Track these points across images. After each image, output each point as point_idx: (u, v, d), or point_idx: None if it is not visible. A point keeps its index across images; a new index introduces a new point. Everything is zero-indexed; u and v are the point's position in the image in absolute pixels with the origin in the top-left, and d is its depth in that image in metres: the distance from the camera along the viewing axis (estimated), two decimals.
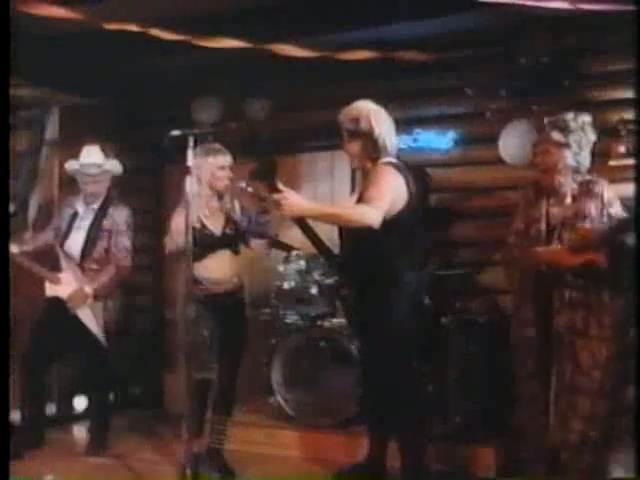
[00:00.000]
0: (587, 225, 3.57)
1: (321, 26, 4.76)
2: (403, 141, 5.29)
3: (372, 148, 3.64)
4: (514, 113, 4.91)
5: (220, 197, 4.22)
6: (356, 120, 3.65)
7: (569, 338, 3.54)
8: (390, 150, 3.67)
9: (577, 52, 4.76)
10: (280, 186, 3.27)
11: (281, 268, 5.16)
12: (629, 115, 4.57)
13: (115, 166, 4.86)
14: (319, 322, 4.90)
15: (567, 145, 3.61)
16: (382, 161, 3.62)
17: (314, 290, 4.99)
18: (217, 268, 4.15)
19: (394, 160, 3.66)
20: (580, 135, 3.63)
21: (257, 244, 4.28)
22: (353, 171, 5.36)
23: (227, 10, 4.68)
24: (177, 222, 4.02)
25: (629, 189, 4.45)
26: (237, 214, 4.27)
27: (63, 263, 4.66)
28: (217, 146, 4.19)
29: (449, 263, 5.03)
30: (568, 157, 3.62)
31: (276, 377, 4.79)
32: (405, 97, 5.30)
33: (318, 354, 4.71)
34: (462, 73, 5.06)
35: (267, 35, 4.63)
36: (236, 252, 4.23)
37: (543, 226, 3.67)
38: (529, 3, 3.83)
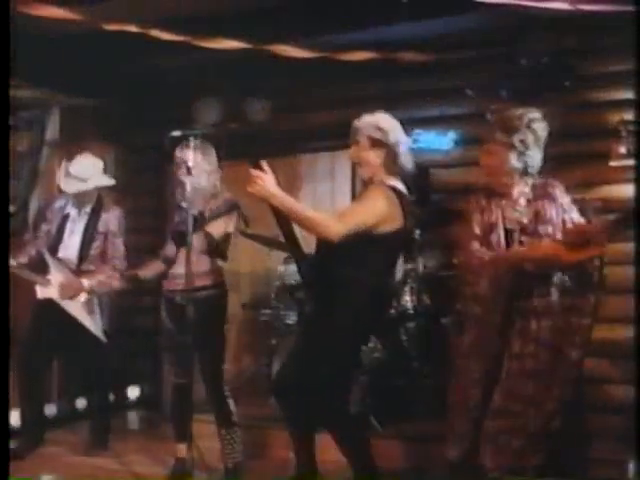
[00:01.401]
0: (582, 221, 3.44)
1: (321, 27, 4.76)
2: None
3: (392, 163, 3.58)
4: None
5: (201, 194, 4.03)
6: (384, 131, 3.58)
7: (550, 342, 3.36)
8: (407, 170, 3.62)
9: (577, 53, 4.76)
10: (265, 167, 3.28)
11: (281, 268, 5.16)
12: (629, 116, 4.57)
13: (102, 181, 4.75)
14: None
15: (511, 145, 3.40)
16: (389, 181, 3.54)
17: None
18: (181, 264, 3.94)
19: (398, 184, 3.56)
20: (526, 134, 3.41)
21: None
22: (353, 172, 5.35)
23: (227, 11, 4.68)
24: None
25: (629, 190, 4.49)
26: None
27: (51, 265, 4.66)
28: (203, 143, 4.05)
29: (449, 264, 5.03)
30: (513, 158, 3.41)
31: None
32: (405, 98, 5.30)
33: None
34: (462, 74, 5.06)
35: (267, 36, 4.63)
36: (214, 254, 4.04)
37: (501, 231, 3.45)
38: (529, 4, 3.83)
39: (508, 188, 3.47)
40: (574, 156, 4.82)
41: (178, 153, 3.97)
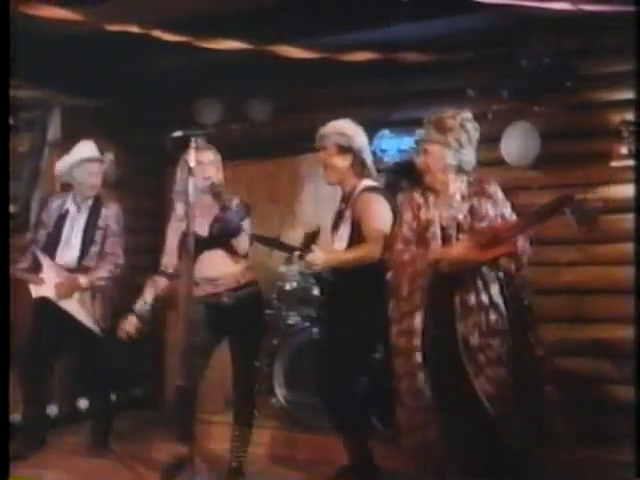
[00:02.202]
0: (513, 217, 3.51)
1: (322, 27, 4.76)
2: (405, 142, 5.31)
3: (361, 166, 3.86)
4: (515, 114, 4.91)
5: (214, 195, 4.03)
6: (349, 136, 3.80)
7: (477, 342, 3.38)
8: (373, 170, 3.92)
9: (578, 53, 4.76)
10: (312, 247, 3.74)
11: (283, 269, 5.17)
12: (630, 116, 4.57)
13: (109, 157, 4.85)
14: (321, 323, 4.90)
15: (446, 143, 3.52)
16: (366, 185, 3.81)
17: (316, 291, 4.99)
18: (211, 267, 4.00)
19: (374, 183, 3.85)
20: (459, 133, 3.53)
21: (240, 240, 4.02)
22: None
23: (228, 11, 4.68)
24: (171, 238, 4.07)
25: (630, 190, 4.48)
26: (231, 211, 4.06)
27: (43, 263, 4.66)
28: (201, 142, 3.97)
29: None
30: (448, 156, 3.53)
31: (278, 378, 4.80)
32: (406, 98, 5.30)
33: (320, 355, 4.70)
34: (463, 74, 5.06)
35: (268, 36, 4.63)
36: (230, 250, 4.03)
37: (437, 229, 3.53)
38: (530, 4, 3.83)
39: (444, 185, 3.58)
40: (574, 156, 4.82)
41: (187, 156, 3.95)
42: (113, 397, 5.06)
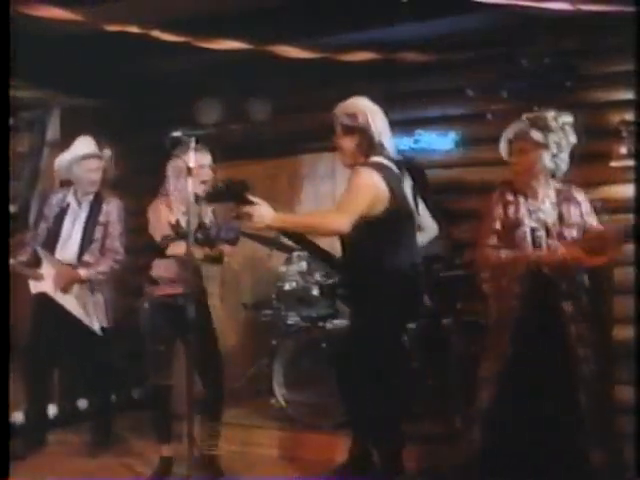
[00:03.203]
0: (600, 227, 3.45)
1: (322, 27, 4.76)
2: (404, 142, 5.31)
3: (367, 145, 3.61)
4: (515, 114, 4.90)
5: (197, 199, 4.01)
6: (354, 116, 3.64)
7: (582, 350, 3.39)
8: (385, 149, 3.64)
9: (578, 53, 4.76)
10: (252, 198, 3.28)
11: (282, 269, 5.16)
12: (630, 116, 4.57)
13: (107, 153, 4.83)
14: (320, 323, 4.90)
15: (546, 146, 3.41)
16: (369, 160, 3.56)
17: (315, 291, 4.99)
18: (172, 269, 4.02)
19: (380, 159, 3.58)
20: (560, 136, 3.43)
21: (225, 251, 4.03)
22: None
23: (228, 11, 4.68)
24: (157, 215, 4.04)
25: (630, 190, 4.48)
26: (209, 219, 4.14)
27: (43, 258, 4.66)
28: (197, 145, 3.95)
29: (450, 264, 5.02)
30: (546, 159, 3.42)
31: (277, 378, 4.79)
32: (406, 98, 5.30)
33: (319, 355, 4.71)
34: (463, 74, 5.06)
35: (268, 36, 4.64)
36: (211, 260, 4.03)
37: (527, 229, 3.46)
38: (530, 4, 3.83)
39: (533, 189, 3.47)
40: (574, 156, 4.81)
41: (183, 157, 3.94)
42: (113, 397, 5.06)
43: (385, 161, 3.60)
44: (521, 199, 3.51)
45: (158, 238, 4.04)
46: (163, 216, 4.05)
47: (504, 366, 3.43)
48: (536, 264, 3.39)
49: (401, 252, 3.57)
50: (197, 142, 3.79)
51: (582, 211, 3.47)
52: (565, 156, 3.47)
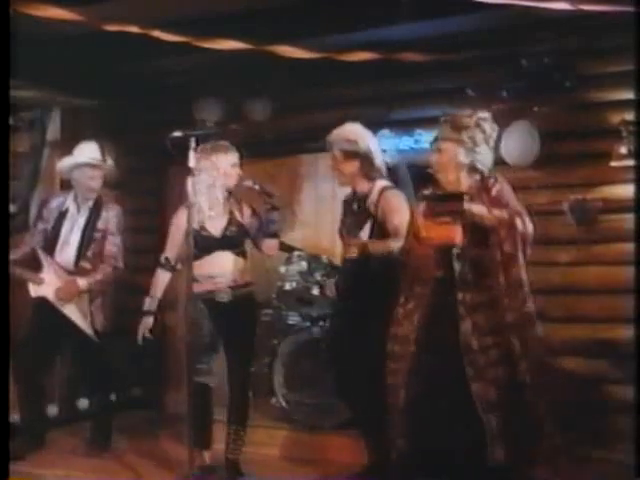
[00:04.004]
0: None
1: (322, 27, 4.76)
2: (404, 142, 5.31)
3: (369, 169, 3.91)
4: (515, 114, 4.91)
5: (228, 197, 4.12)
6: (354, 141, 3.85)
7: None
8: (383, 171, 3.97)
9: (578, 53, 4.76)
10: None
11: (283, 269, 5.17)
12: (630, 116, 4.57)
13: (109, 162, 4.82)
14: (320, 323, 4.90)
15: (459, 142, 3.47)
16: (383, 185, 3.92)
17: (315, 291, 5.00)
18: (216, 266, 4.05)
19: (387, 183, 3.93)
20: (475, 132, 3.48)
21: (268, 245, 4.13)
22: None
23: (228, 11, 4.68)
24: (178, 225, 4.04)
25: (630, 190, 4.49)
26: (245, 217, 4.15)
27: (44, 263, 4.65)
28: (225, 143, 4.12)
29: None
30: (460, 154, 3.48)
31: (277, 378, 4.80)
32: (406, 98, 5.30)
33: (319, 355, 4.72)
34: (463, 74, 5.06)
35: (268, 36, 4.63)
36: (239, 254, 4.11)
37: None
38: (530, 4, 3.83)
39: (455, 184, 3.53)
40: (574, 156, 4.82)
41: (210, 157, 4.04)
42: (113, 397, 5.06)
43: (390, 184, 3.95)
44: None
45: (162, 254, 4.14)
46: (177, 234, 4.07)
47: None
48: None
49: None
50: (220, 141, 4.02)
51: (499, 202, 3.45)
52: (484, 150, 3.50)
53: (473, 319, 3.35)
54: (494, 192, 3.48)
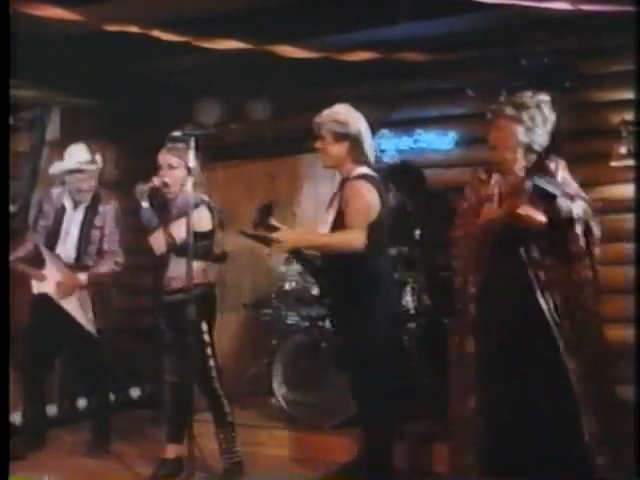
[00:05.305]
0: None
1: (322, 27, 4.76)
2: (404, 142, 5.31)
3: (358, 152, 3.72)
4: None
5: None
6: (344, 123, 3.71)
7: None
8: (371, 155, 3.79)
9: (578, 53, 4.76)
10: (276, 224, 3.65)
11: (282, 269, 5.17)
12: (630, 116, 4.57)
13: (100, 162, 4.77)
14: (320, 323, 4.90)
15: (519, 120, 3.47)
16: (358, 172, 3.68)
17: (315, 291, 4.99)
18: (172, 268, 4.04)
19: (367, 171, 3.70)
20: (535, 112, 3.49)
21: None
22: None
23: (228, 11, 4.68)
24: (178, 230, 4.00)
25: (630, 190, 4.49)
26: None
27: (47, 259, 4.65)
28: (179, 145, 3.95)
29: (450, 264, 5.02)
30: (520, 132, 3.47)
31: (277, 378, 4.79)
32: (406, 98, 5.31)
33: (319, 355, 4.71)
34: (463, 74, 5.06)
35: (268, 36, 4.64)
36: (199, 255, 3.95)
37: (495, 204, 3.52)
38: (530, 4, 3.83)
39: (510, 163, 3.53)
40: (575, 156, 4.81)
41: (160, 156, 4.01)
42: (112, 397, 5.06)
43: (370, 172, 3.72)
44: (495, 175, 3.59)
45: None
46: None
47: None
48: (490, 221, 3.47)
49: (385, 256, 3.78)
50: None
51: (555, 182, 3.45)
52: (541, 130, 3.51)
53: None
54: (559, 178, 3.48)
